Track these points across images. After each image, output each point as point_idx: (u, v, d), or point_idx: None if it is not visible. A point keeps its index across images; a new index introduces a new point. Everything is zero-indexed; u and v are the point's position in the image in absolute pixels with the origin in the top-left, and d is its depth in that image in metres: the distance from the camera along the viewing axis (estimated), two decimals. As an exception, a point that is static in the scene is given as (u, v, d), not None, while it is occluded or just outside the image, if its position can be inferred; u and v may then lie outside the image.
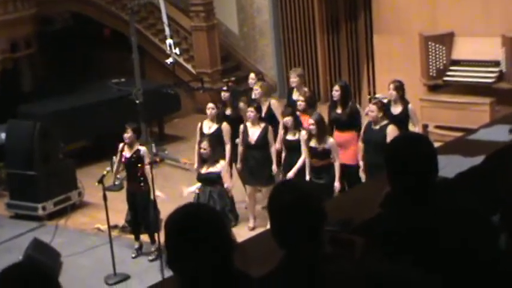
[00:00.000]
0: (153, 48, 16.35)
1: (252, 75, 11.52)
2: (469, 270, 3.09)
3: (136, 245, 10.07)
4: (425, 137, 3.72)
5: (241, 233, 9.20)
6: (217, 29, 16.29)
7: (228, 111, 11.03)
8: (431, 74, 13.16)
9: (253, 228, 10.17)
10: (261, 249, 3.69)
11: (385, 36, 13.91)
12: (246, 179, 10.56)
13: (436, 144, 5.39)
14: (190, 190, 9.91)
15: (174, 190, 10.17)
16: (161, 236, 7.09)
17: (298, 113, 10.17)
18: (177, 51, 13.43)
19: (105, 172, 9.60)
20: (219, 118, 10.67)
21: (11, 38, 14.20)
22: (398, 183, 3.29)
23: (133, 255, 10.00)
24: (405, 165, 3.23)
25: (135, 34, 13.82)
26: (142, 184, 9.68)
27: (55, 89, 14.45)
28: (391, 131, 9.25)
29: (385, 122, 9.48)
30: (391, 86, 10.22)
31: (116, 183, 10.91)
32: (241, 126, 10.37)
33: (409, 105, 10.22)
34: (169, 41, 13.30)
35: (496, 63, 12.52)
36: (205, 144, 9.68)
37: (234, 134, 10.54)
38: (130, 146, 9.81)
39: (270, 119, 10.61)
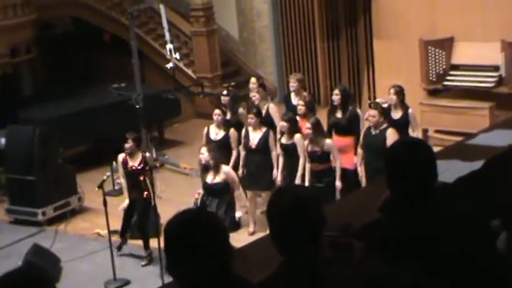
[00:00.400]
0: (153, 53, 16.36)
1: (253, 79, 11.52)
2: (467, 276, 3.09)
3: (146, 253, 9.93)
4: (424, 142, 3.72)
5: (241, 237, 9.19)
6: (217, 34, 16.31)
7: (228, 116, 11.04)
8: (431, 78, 13.18)
9: (253, 233, 10.16)
10: (261, 254, 3.69)
11: (385, 41, 13.92)
12: (247, 184, 10.56)
13: (436, 149, 5.39)
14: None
15: (174, 195, 10.17)
16: (161, 241, 7.07)
17: (298, 117, 10.19)
18: (177, 56, 13.46)
19: (105, 177, 9.61)
20: (226, 124, 10.65)
21: (11, 43, 14.22)
22: (397, 188, 3.29)
23: (143, 263, 9.90)
24: (404, 170, 3.23)
25: (135, 39, 13.83)
26: (146, 191, 9.66)
27: (55, 94, 14.46)
28: (391, 135, 9.27)
29: (384, 126, 9.50)
30: (392, 90, 10.22)
31: (116, 188, 10.91)
32: (243, 131, 10.38)
33: (409, 110, 10.22)
34: (169, 46, 13.32)
35: (496, 68, 12.53)
36: (204, 150, 9.63)
37: (234, 139, 10.56)
38: (132, 155, 9.81)
39: (268, 124, 10.62)
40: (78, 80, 15.88)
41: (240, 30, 17.13)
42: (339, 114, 10.32)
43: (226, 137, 10.52)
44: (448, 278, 3.08)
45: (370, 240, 3.36)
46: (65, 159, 12.11)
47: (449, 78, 13.03)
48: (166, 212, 8.86)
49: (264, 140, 10.20)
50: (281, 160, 10.12)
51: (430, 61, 13.10)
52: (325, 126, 10.16)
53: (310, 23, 16.13)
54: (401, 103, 10.19)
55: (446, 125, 12.65)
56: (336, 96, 10.31)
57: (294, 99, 11.02)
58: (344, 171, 9.84)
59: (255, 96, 10.92)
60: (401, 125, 9.95)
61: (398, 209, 3.30)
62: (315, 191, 8.93)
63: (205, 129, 10.77)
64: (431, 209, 3.22)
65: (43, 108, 13.74)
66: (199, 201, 9.86)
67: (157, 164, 13.11)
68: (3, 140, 12.04)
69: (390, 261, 3.09)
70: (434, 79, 13.16)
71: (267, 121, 10.66)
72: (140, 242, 9.94)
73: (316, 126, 9.59)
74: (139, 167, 9.75)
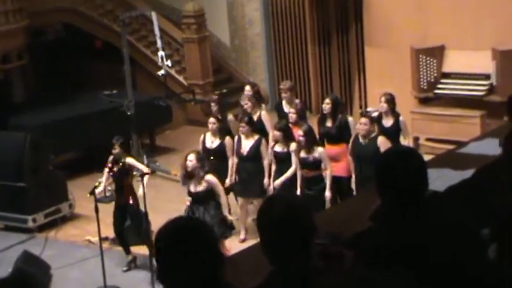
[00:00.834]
0: (144, 60, 16.35)
1: (248, 87, 11.45)
2: (458, 285, 3.10)
3: (129, 258, 10.01)
4: (415, 151, 3.72)
5: (232, 245, 9.18)
6: (209, 41, 16.31)
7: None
8: (422, 86, 13.20)
9: (243, 240, 10.15)
10: (252, 262, 3.69)
11: (377, 49, 13.95)
12: (238, 191, 10.55)
13: (427, 157, 5.41)
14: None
15: (164, 202, 10.15)
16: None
17: (290, 125, 10.20)
18: (168, 63, 13.45)
19: (96, 184, 9.59)
20: (221, 133, 10.63)
21: (3, 49, 14.19)
22: (388, 197, 3.29)
23: (125, 269, 9.94)
24: (395, 179, 3.23)
25: (126, 46, 13.82)
26: (131, 196, 9.66)
27: (46, 101, 14.43)
28: (383, 143, 9.28)
29: (373, 134, 9.51)
30: (383, 98, 10.25)
31: (107, 194, 10.88)
32: (236, 138, 10.38)
33: (400, 118, 10.24)
34: (161, 52, 13.32)
35: (487, 76, 12.56)
36: (193, 157, 9.49)
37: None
38: (118, 161, 9.78)
39: (260, 131, 10.61)
40: (69, 86, 15.83)
41: (231, 38, 17.14)
42: (329, 123, 10.33)
43: (221, 145, 10.50)
44: (439, 286, 3.08)
45: (361, 249, 3.37)
46: (56, 166, 12.07)
47: (440, 86, 13.06)
48: (157, 219, 8.80)
49: (256, 148, 10.20)
50: (273, 168, 10.13)
51: (421, 69, 13.13)
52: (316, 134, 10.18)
53: (302, 31, 16.16)
54: (392, 111, 10.22)
55: (438, 133, 12.67)
56: (327, 105, 10.33)
57: (286, 107, 11.03)
58: (338, 178, 9.86)
59: (246, 104, 10.91)
60: (392, 133, 9.97)
61: (389, 218, 3.30)
62: (305, 199, 8.95)
63: (202, 136, 10.74)
64: (422, 217, 3.23)
65: (34, 114, 13.70)
66: (187, 209, 9.82)
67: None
68: (-7, 147, 12.00)
69: (381, 270, 3.09)
70: (425, 87, 13.19)
71: (259, 128, 10.65)
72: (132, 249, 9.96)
73: (309, 133, 9.61)
74: (118, 171, 9.73)
